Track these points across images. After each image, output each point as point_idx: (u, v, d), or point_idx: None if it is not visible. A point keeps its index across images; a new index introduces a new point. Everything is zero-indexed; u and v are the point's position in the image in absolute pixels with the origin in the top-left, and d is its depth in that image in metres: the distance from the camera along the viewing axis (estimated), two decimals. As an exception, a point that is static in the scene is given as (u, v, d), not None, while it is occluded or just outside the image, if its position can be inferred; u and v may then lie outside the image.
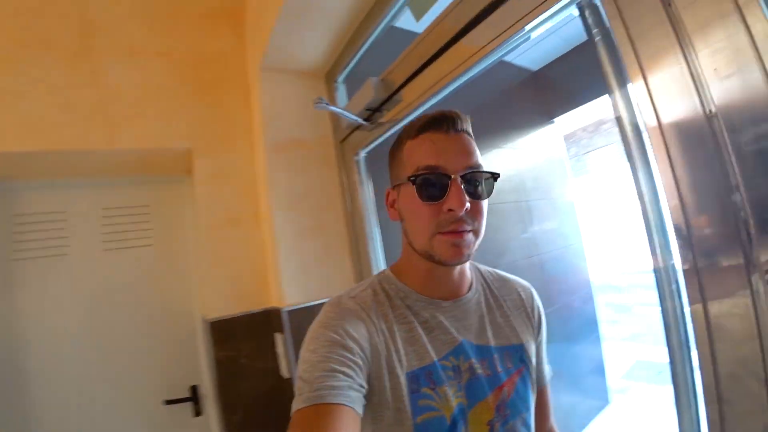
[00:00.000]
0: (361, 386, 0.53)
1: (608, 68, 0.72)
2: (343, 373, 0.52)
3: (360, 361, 0.55)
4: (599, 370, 2.86)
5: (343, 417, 0.47)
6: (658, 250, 0.71)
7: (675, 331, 0.74)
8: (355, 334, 0.57)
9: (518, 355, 0.67)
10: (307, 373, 0.52)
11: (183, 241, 1.73)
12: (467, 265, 0.69)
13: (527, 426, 0.65)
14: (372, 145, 1.45)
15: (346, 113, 1.34)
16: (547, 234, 2.63)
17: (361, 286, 0.68)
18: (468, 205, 0.56)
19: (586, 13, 0.74)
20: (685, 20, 0.53)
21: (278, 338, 1.46)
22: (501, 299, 0.72)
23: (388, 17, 1.29)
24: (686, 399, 0.73)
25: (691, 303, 0.56)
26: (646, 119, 0.59)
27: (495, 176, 0.61)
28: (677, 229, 0.57)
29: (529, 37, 0.83)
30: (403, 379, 0.58)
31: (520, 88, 2.95)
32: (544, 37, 2.61)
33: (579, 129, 10.35)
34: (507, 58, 2.82)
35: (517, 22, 0.79)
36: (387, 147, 0.71)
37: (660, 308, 0.74)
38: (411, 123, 0.64)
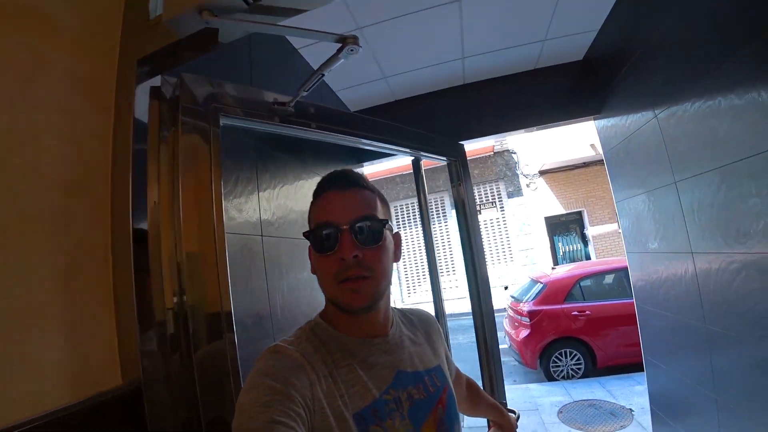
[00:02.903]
0: None
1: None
2: (283, 423, 0.50)
3: (302, 412, 0.54)
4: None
5: None
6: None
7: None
8: (297, 383, 0.56)
9: (440, 374, 0.75)
10: (245, 425, 0.50)
11: None
12: (389, 307, 0.74)
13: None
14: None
15: None
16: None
17: (295, 335, 0.68)
18: (358, 253, 0.62)
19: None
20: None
21: None
22: (415, 330, 0.80)
23: None
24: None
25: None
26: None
27: (383, 222, 0.67)
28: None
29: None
30: (351, 423, 0.58)
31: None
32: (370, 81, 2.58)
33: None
34: (336, 91, 2.73)
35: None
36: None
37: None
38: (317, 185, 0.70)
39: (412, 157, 1.93)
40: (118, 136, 0.83)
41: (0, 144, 0.68)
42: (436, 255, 2.19)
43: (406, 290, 11.29)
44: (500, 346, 6.22)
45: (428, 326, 0.84)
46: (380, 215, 0.68)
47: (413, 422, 0.64)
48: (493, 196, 10.73)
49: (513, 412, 1.10)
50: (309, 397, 0.56)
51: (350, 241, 0.62)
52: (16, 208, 0.67)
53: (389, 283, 0.69)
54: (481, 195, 10.82)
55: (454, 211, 10.61)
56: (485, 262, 2.09)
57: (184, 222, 0.82)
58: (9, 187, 0.67)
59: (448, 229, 11.05)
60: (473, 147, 10.15)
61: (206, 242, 0.84)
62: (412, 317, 0.83)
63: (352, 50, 0.81)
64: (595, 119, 2.45)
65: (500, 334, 6.62)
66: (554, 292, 4.61)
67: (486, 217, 10.71)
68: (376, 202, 0.69)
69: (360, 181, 0.69)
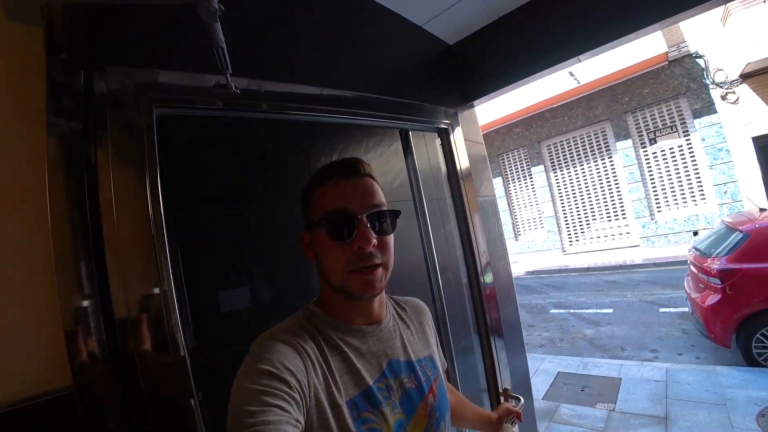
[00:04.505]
0: (298, 421, 0.53)
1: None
2: (280, 407, 0.52)
3: (297, 396, 0.55)
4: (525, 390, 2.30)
5: None
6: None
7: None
8: (292, 368, 0.57)
9: (431, 363, 0.79)
10: (241, 407, 0.51)
11: None
12: (384, 296, 0.78)
13: (448, 422, 0.76)
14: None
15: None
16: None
17: (289, 322, 0.69)
18: (375, 241, 0.65)
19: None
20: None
21: None
22: (408, 320, 0.83)
23: None
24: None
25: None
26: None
27: (396, 213, 0.72)
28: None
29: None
30: (345, 409, 0.61)
31: (434, 62, 2.36)
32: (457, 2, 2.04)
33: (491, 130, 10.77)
34: (423, 24, 2.30)
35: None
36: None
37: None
38: (320, 170, 0.72)
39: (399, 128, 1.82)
40: (51, 140, 0.78)
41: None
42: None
43: (567, 239, 10.17)
44: (679, 310, 4.92)
45: (421, 316, 0.87)
46: (387, 204, 0.71)
47: (405, 410, 0.68)
48: (672, 118, 8.34)
49: (518, 398, 1.05)
50: (305, 383, 0.58)
51: (368, 230, 0.65)
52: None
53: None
54: (655, 119, 8.57)
55: (618, 144, 8.90)
56: (484, 244, 2.08)
57: (117, 220, 0.80)
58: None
59: (613, 166, 9.26)
60: (634, 60, 7.92)
61: (143, 240, 0.83)
62: (405, 306, 0.86)
63: (210, 9, 0.66)
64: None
65: (680, 294, 5.22)
66: (763, 245, 3.30)
67: (663, 146, 8.50)
68: (381, 191, 0.71)
69: (367, 170, 0.72)
